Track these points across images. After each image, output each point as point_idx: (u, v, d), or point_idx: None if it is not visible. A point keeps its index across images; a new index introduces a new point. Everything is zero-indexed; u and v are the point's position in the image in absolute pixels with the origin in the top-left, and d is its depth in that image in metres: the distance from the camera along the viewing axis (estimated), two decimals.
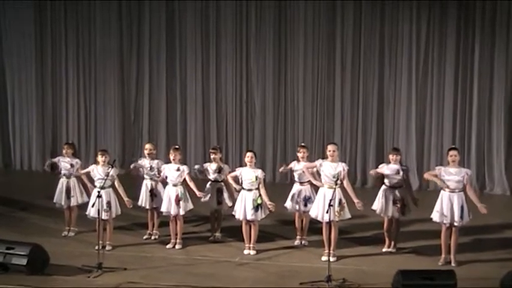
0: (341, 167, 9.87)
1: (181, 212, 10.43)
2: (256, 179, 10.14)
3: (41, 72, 17.28)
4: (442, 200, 9.66)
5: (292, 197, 10.66)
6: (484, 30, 14.76)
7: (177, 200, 10.38)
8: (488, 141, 15.08)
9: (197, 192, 10.39)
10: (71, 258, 9.83)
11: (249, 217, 10.14)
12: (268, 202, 10.11)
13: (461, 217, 9.57)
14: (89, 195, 10.76)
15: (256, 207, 10.11)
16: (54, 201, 11.21)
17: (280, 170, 11.11)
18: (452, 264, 9.62)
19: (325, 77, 15.80)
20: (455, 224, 9.59)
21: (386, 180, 10.27)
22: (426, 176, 10.05)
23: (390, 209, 10.21)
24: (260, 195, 10.13)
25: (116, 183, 10.42)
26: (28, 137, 17.56)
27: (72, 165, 11.08)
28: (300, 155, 10.66)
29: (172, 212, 10.43)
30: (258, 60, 16.10)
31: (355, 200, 9.74)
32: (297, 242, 10.73)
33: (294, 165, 10.73)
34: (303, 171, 10.36)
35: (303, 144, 11.14)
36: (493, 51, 14.81)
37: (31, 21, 17.08)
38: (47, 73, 17.26)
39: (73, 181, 11.06)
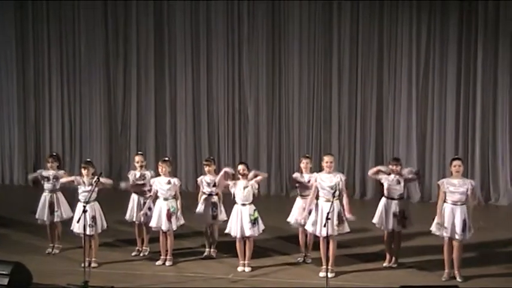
0: (338, 178, 9.88)
1: (174, 228, 10.41)
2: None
3: (22, 79, 17.25)
4: (443, 212, 9.63)
5: (297, 211, 10.53)
6: (487, 34, 14.79)
7: (169, 215, 10.37)
8: (492, 150, 15.09)
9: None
10: (56, 277, 9.77)
11: (247, 233, 10.09)
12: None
13: (463, 231, 9.57)
14: (73, 209, 10.71)
15: (253, 222, 10.09)
16: (36, 217, 11.13)
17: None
18: (458, 279, 9.61)
19: (321, 83, 15.83)
20: (457, 237, 9.60)
21: (386, 192, 10.29)
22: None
23: (391, 221, 10.21)
24: (255, 209, 10.10)
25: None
26: (10, 150, 17.50)
27: (56, 178, 10.99)
28: (302, 165, 10.52)
29: (164, 227, 10.39)
30: (250, 66, 16.13)
31: (348, 215, 9.79)
32: (299, 259, 10.65)
33: (298, 176, 10.52)
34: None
35: (307, 155, 11.09)
36: (496, 56, 14.84)
37: (12, 25, 17.06)
38: (29, 80, 17.22)
39: (57, 195, 11.00)
